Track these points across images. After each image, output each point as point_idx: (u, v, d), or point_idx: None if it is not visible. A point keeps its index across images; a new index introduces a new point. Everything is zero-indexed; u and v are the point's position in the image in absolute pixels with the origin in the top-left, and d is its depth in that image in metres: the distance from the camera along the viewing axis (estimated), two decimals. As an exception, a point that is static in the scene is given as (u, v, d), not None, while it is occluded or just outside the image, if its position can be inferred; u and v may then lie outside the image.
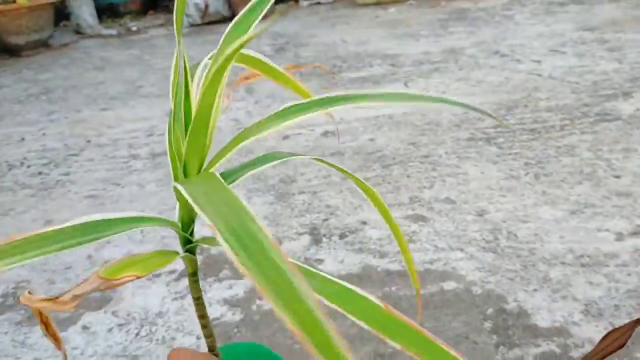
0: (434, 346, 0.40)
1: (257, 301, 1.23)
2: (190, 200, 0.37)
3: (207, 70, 0.57)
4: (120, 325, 1.21)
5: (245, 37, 0.36)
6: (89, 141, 2.18)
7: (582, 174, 1.52)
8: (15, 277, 1.41)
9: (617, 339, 0.59)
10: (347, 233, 1.42)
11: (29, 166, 2.02)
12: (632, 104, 1.86)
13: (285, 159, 0.59)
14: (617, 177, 1.49)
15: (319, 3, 4.13)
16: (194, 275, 0.61)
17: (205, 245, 0.54)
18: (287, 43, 3.19)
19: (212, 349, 0.69)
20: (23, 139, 2.27)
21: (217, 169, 0.49)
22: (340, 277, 1.26)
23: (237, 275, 1.31)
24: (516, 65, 2.32)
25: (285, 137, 1.99)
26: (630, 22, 2.77)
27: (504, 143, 1.74)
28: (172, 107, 0.56)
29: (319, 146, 1.89)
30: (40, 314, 0.54)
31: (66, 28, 4.42)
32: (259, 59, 0.74)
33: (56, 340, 0.57)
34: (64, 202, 1.72)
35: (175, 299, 1.27)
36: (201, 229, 1.19)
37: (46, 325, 0.56)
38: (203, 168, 0.55)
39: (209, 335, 0.66)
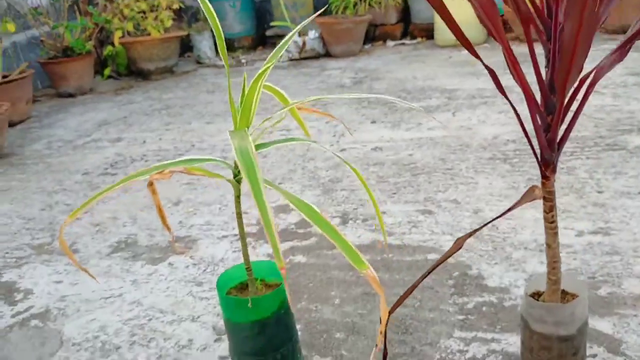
0: (338, 236, 0.84)
1: (291, 256, 1.68)
2: (229, 136, 0.84)
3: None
4: (194, 264, 1.71)
5: (268, 65, 0.83)
6: (193, 145, 2.76)
7: (572, 189, 1.83)
8: (125, 231, 1.97)
9: (459, 245, 0.98)
10: (368, 218, 1.83)
11: (146, 160, 2.62)
12: (643, 137, 2.12)
13: (300, 141, 1.07)
14: (600, 192, 1.79)
15: (403, 44, 4.58)
16: (238, 197, 1.08)
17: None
18: (365, 77, 3.67)
19: (246, 262, 1.15)
20: (144, 142, 2.90)
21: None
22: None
23: (281, 239, 1.76)
24: (555, 102, 2.62)
25: (342, 150, 2.44)
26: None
27: (517, 163, 2.07)
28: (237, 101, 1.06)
29: (366, 157, 2.32)
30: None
31: (189, 58, 5.21)
32: (280, 93, 1.22)
33: (165, 222, 1.06)
34: (169, 186, 2.28)
35: (234, 251, 1.75)
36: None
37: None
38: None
39: (244, 247, 1.13)
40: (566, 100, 0.80)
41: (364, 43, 4.61)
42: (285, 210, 1.97)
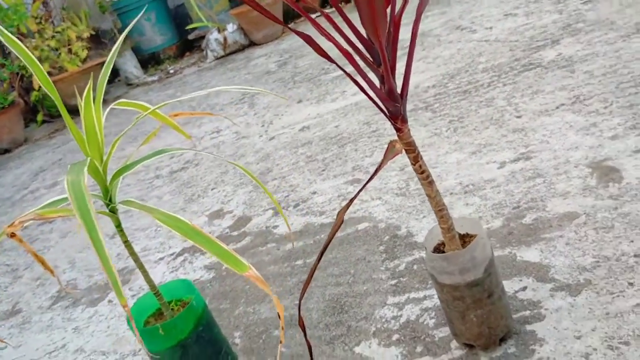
0: (213, 243, 0.79)
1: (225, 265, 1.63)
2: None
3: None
4: (133, 295, 1.65)
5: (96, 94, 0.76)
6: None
7: (492, 120, 1.80)
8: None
9: (340, 220, 0.93)
10: (300, 203, 1.79)
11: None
12: (556, 49, 2.09)
13: (170, 152, 1.01)
14: (519, 117, 1.76)
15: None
16: (118, 227, 1.03)
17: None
18: (290, 57, 3.60)
19: (152, 287, 1.10)
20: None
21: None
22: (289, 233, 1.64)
23: (214, 247, 1.71)
24: (470, 36, 2.57)
25: (272, 138, 2.39)
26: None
27: (438, 107, 2.03)
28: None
29: (295, 140, 2.27)
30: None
31: (119, 82, 5.09)
32: (138, 104, 1.16)
33: (46, 267, 1.00)
34: (104, 221, 2.21)
35: (171, 271, 1.70)
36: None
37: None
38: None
39: (143, 270, 1.08)
40: (384, 44, 0.75)
41: (286, 22, 4.52)
42: (219, 215, 1.92)
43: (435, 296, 1.19)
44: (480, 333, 0.98)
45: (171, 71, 4.66)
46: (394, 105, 0.80)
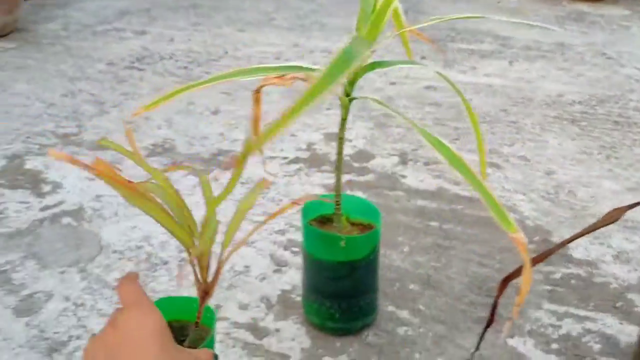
0: (487, 192, 0.69)
1: (348, 190, 1.54)
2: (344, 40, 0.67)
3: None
4: (242, 183, 1.56)
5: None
6: (226, 52, 2.54)
7: (649, 164, 1.71)
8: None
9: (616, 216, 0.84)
10: (431, 163, 1.69)
11: (176, 60, 2.41)
12: None
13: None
14: (680, 173, 1.67)
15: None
16: (344, 120, 0.93)
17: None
18: (409, 8, 3.43)
19: (337, 195, 1.01)
20: (172, 40, 2.66)
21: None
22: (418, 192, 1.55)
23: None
24: (618, 68, 2.46)
25: (392, 83, 2.27)
26: None
27: (586, 126, 1.94)
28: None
29: (420, 95, 2.15)
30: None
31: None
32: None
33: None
34: (204, 92, 2.08)
35: (285, 175, 1.60)
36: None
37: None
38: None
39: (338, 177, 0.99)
40: None
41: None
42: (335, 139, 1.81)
43: (600, 321, 1.12)
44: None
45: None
46: None
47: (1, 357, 1.02)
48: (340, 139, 1.00)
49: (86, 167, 0.58)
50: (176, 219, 0.68)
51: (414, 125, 0.85)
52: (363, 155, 1.73)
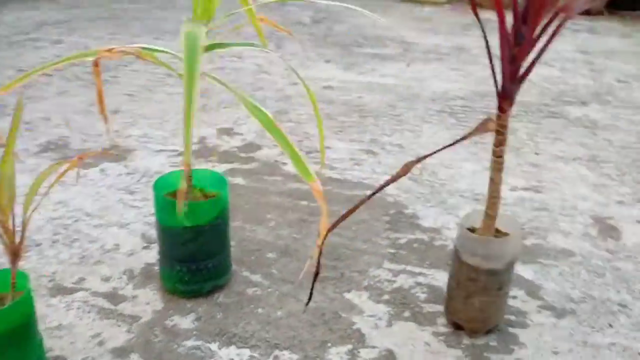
0: (289, 145, 0.82)
1: (230, 177, 1.65)
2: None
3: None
4: (128, 173, 1.65)
5: None
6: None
7: (511, 148, 1.88)
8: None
9: (407, 169, 0.98)
10: (312, 152, 1.82)
11: (87, 66, 2.49)
12: (583, 111, 2.20)
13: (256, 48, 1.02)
14: (537, 154, 1.85)
15: (366, -8, 4.51)
16: None
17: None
18: (324, 18, 3.59)
19: (187, 167, 1.10)
20: (87, 48, 2.74)
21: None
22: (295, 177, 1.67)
23: (222, 160, 1.72)
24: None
25: (294, 84, 2.40)
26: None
27: (463, 117, 2.10)
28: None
29: (317, 94, 2.29)
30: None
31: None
32: None
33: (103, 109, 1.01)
34: (108, 93, 2.17)
35: (171, 166, 1.70)
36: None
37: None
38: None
39: (187, 148, 1.08)
40: (537, 32, 0.80)
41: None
42: (228, 133, 1.93)
43: (431, 276, 1.26)
44: (475, 317, 1.05)
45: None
46: (510, 85, 0.85)
47: None
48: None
49: None
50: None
51: (237, 94, 0.97)
52: (251, 147, 1.84)
